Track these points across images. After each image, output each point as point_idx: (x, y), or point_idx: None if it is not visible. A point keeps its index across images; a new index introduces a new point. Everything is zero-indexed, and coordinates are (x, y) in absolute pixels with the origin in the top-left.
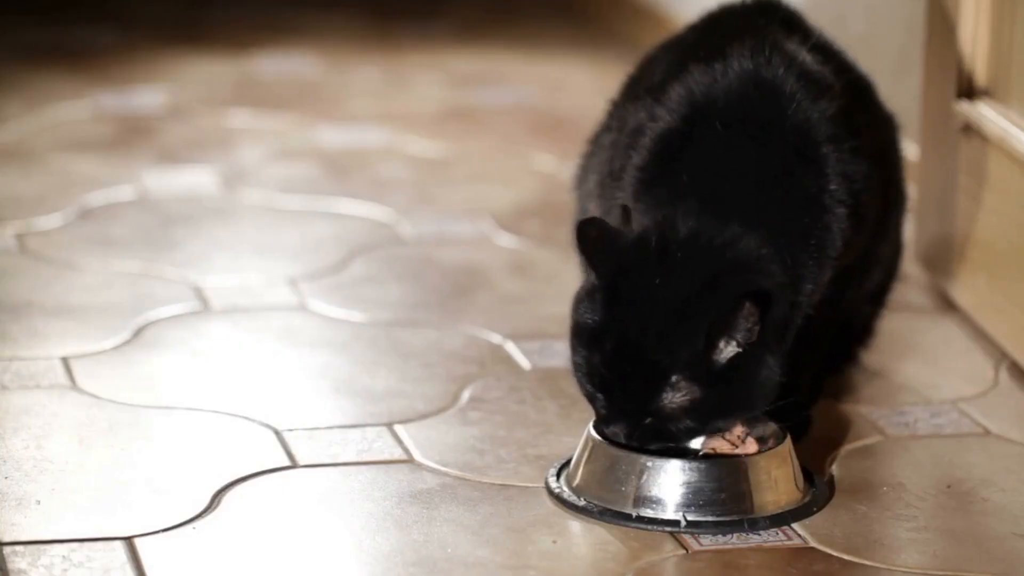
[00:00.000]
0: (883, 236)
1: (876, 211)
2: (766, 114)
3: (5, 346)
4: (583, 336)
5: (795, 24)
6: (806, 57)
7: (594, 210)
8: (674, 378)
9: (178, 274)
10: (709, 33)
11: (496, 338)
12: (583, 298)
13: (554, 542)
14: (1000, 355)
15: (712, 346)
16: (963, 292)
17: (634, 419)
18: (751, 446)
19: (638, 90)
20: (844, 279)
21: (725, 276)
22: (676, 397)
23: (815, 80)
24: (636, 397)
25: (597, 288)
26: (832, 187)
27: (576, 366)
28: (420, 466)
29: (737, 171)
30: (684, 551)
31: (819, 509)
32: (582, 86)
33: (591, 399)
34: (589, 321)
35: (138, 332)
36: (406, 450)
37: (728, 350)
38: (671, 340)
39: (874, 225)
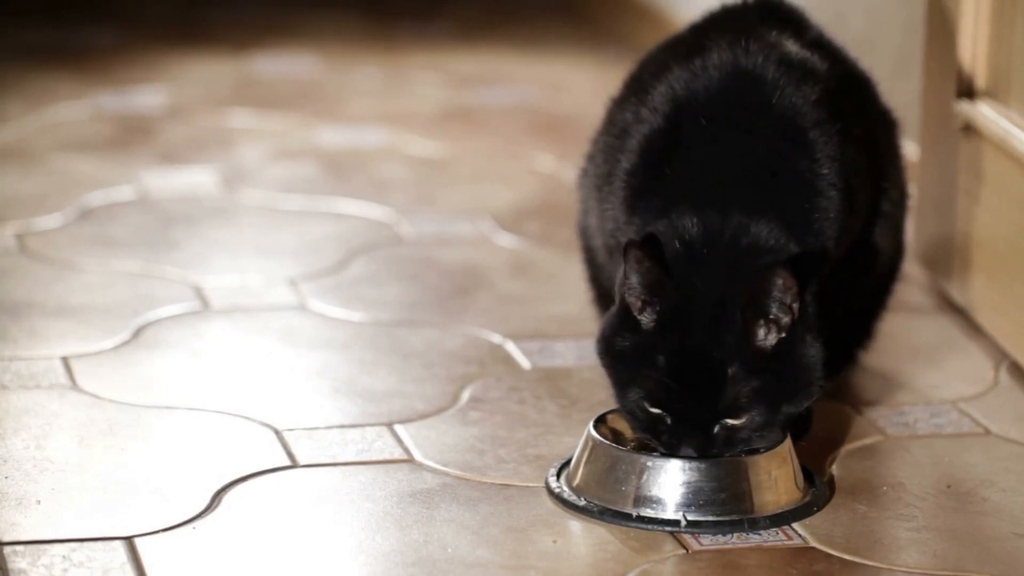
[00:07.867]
0: (878, 224)
1: (867, 196)
2: (750, 103)
3: (5, 346)
4: (631, 360)
5: (793, 21)
6: (788, 45)
7: (593, 216)
8: (731, 370)
9: (178, 274)
10: (703, 31)
11: (496, 338)
12: (616, 329)
13: (554, 542)
14: (1000, 355)
15: (751, 328)
16: (963, 292)
17: (705, 429)
18: None
19: (631, 90)
20: (842, 272)
21: (749, 258)
22: (740, 390)
23: (797, 66)
24: (703, 400)
25: (635, 313)
26: (824, 171)
27: (637, 396)
28: (420, 466)
29: (728, 165)
30: (684, 551)
31: (819, 509)
32: (582, 86)
33: (653, 428)
34: (634, 343)
35: (138, 332)
36: (406, 450)
37: (771, 336)
38: (718, 332)
39: (866, 212)
